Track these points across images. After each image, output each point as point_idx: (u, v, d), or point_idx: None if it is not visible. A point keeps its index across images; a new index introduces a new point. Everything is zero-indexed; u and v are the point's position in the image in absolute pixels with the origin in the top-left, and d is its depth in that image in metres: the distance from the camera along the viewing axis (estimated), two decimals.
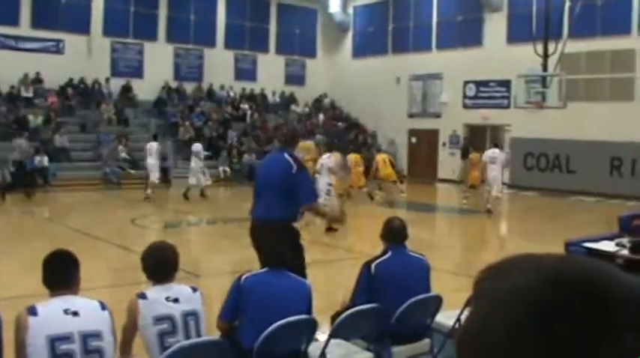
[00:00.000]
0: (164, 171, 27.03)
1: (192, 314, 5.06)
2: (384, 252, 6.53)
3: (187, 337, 4.95)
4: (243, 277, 5.79)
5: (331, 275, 11.66)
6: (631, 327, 0.88)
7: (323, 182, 17.42)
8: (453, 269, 12.87)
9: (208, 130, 32.53)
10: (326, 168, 17.75)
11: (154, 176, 23.82)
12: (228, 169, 30.01)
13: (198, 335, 5.05)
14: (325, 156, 18.39)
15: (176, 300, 5.02)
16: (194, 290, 5.24)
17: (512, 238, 19.13)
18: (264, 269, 5.92)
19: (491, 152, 21.81)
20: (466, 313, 1.00)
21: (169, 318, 4.94)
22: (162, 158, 26.25)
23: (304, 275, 7.25)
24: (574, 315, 0.88)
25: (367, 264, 6.42)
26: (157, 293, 5.04)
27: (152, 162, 23.90)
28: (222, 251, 15.33)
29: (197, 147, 24.40)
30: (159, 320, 4.91)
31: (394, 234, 6.57)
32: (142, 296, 5.01)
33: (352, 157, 23.27)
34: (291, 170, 7.67)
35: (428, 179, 32.85)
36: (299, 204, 7.80)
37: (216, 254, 15.00)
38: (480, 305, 0.96)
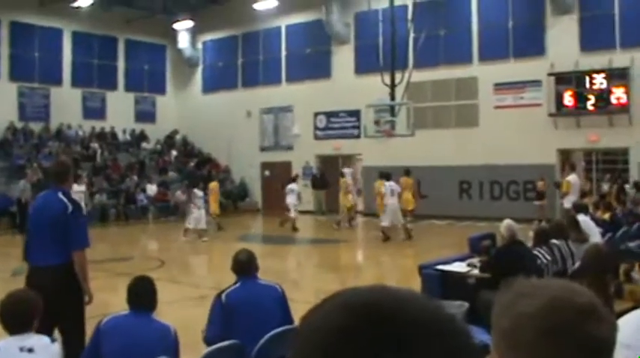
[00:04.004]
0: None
1: None
2: (235, 283, 6.66)
3: None
4: (104, 320, 5.60)
5: (193, 312, 11.45)
6: (414, 346, 0.98)
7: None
8: (313, 300, 12.90)
9: None
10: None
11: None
12: None
13: None
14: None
15: (31, 350, 4.77)
16: (53, 341, 5.03)
17: (370, 264, 19.37)
18: (126, 311, 5.75)
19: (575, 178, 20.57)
20: None
21: None
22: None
23: (81, 334, 6.88)
24: (359, 337, 0.98)
25: (219, 295, 6.54)
26: (10, 343, 4.80)
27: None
28: None
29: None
30: None
31: (241, 265, 6.71)
32: None
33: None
34: (67, 211, 7.08)
35: (283, 211, 32.88)
36: (70, 248, 7.07)
37: None
38: (294, 339, 1.05)
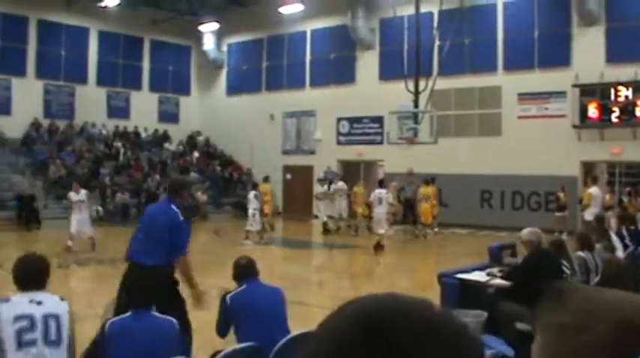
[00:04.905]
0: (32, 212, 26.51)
1: (54, 316, 5.09)
2: (240, 285, 6.86)
3: (46, 336, 5.01)
4: (108, 323, 5.65)
5: (205, 313, 11.43)
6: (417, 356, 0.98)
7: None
8: (329, 305, 12.89)
9: (80, 169, 31.71)
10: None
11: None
12: (100, 209, 29.17)
13: (59, 336, 5.08)
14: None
15: (40, 303, 5.09)
16: (62, 299, 5.30)
17: (387, 271, 19.32)
18: (128, 313, 5.79)
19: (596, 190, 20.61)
20: None
21: (29, 317, 5.00)
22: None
23: (188, 324, 7.60)
24: (365, 349, 0.98)
25: (224, 296, 6.76)
26: (21, 298, 5.13)
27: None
28: (97, 293, 14.89)
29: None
30: (18, 318, 4.97)
31: (242, 270, 6.90)
32: (5, 300, 5.11)
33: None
34: (178, 218, 7.98)
35: (303, 216, 32.93)
36: (176, 252, 7.98)
37: (92, 296, 14.56)
38: (306, 346, 1.05)
